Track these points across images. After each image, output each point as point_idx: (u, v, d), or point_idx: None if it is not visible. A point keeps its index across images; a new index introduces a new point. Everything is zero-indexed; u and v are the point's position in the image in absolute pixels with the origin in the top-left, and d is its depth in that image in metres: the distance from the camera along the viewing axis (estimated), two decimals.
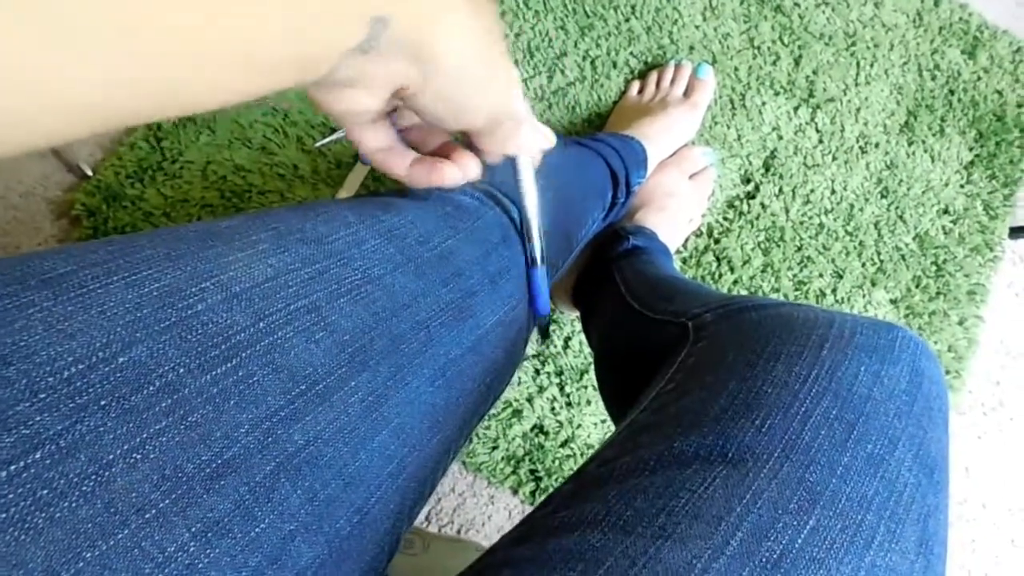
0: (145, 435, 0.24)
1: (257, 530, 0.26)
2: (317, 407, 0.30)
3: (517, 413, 0.90)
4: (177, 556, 0.24)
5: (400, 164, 0.39)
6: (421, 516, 0.88)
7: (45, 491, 0.21)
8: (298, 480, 0.28)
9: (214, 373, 0.27)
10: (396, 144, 0.39)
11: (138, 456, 0.24)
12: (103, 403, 0.24)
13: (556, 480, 0.89)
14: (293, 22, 0.23)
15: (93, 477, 0.22)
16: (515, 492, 0.90)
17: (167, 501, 0.24)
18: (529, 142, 0.42)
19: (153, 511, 0.23)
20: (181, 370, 0.26)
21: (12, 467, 0.21)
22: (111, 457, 0.23)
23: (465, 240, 0.44)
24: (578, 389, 0.91)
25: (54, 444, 0.22)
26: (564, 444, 0.90)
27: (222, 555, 0.25)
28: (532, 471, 0.89)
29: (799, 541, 0.30)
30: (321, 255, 0.35)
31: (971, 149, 0.99)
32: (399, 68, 0.30)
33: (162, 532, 0.23)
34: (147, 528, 0.23)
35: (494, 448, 0.89)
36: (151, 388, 0.25)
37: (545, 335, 0.48)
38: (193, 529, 0.24)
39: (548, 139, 0.44)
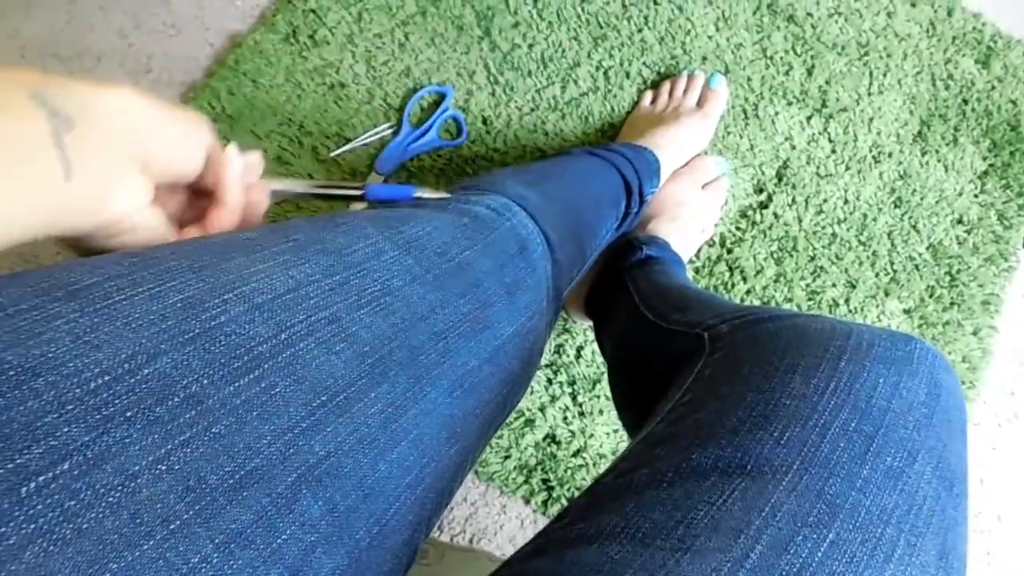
0: (170, 446, 0.24)
1: (279, 541, 0.26)
2: (337, 418, 0.30)
3: (529, 422, 0.90)
4: (201, 567, 0.24)
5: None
6: None
7: (72, 502, 0.22)
8: (319, 491, 0.28)
9: (237, 384, 0.27)
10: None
11: (163, 467, 0.24)
12: (129, 414, 0.24)
13: (568, 490, 0.89)
14: None
15: (119, 488, 0.23)
16: (527, 502, 0.90)
17: (191, 512, 0.24)
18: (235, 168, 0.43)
19: (177, 522, 0.24)
20: (205, 381, 0.26)
21: (40, 478, 0.21)
22: (137, 468, 0.23)
23: (482, 252, 0.44)
24: (591, 399, 0.91)
25: (81, 455, 0.22)
26: (576, 454, 0.90)
27: (244, 566, 0.25)
28: (544, 480, 0.89)
29: (819, 554, 0.30)
30: (341, 266, 0.35)
31: (985, 159, 0.99)
32: (109, 133, 0.32)
33: (186, 543, 0.24)
34: (172, 539, 0.23)
35: (506, 457, 0.89)
36: (175, 399, 0.25)
37: (428, 202, 0.50)
38: (216, 540, 0.24)
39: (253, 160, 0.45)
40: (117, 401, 0.24)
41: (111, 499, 0.22)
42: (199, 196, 0.42)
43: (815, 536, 0.30)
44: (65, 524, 0.21)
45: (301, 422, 0.29)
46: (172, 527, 0.23)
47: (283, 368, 0.29)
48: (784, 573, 0.29)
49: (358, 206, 0.88)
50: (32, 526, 0.21)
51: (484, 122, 0.96)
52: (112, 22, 0.98)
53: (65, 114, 0.29)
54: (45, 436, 0.22)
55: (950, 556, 0.32)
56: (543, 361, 0.91)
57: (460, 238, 0.44)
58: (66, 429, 0.22)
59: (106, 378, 0.24)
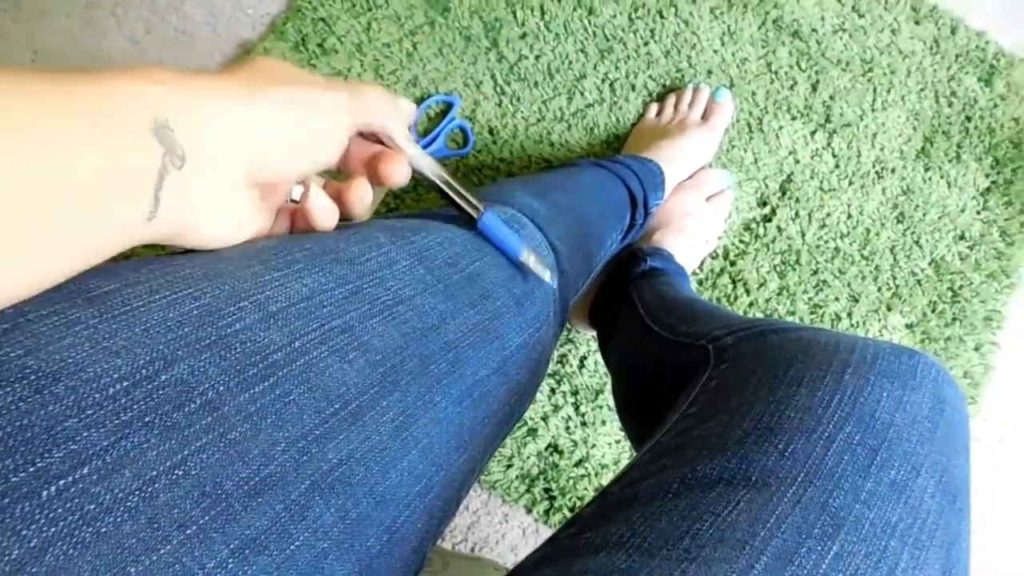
0: (187, 452, 0.25)
1: (292, 548, 0.27)
2: (350, 426, 0.31)
3: (532, 432, 0.90)
4: (216, 572, 0.24)
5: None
6: None
7: (92, 506, 0.22)
8: (331, 498, 0.29)
9: (252, 391, 0.28)
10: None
11: (180, 473, 0.24)
12: (147, 420, 0.24)
13: (570, 499, 0.89)
14: (70, 155, 0.23)
15: (137, 493, 0.23)
16: (529, 511, 0.90)
17: (207, 517, 0.24)
18: (403, 105, 0.43)
19: (194, 527, 0.24)
20: (221, 388, 0.27)
21: (61, 482, 0.22)
22: (155, 473, 0.24)
23: (492, 262, 0.45)
24: (593, 409, 0.91)
25: (100, 460, 0.23)
26: (578, 463, 0.90)
27: (259, 572, 0.25)
28: (546, 490, 0.90)
29: (823, 566, 0.30)
30: (354, 275, 0.36)
31: (988, 176, 1.00)
32: (223, 160, 0.31)
33: (202, 548, 0.24)
34: (188, 544, 0.24)
35: (509, 466, 0.89)
36: (192, 405, 0.26)
37: (528, 271, 0.46)
38: (232, 546, 0.25)
39: (405, 104, 0.43)
40: (135, 406, 0.24)
41: (129, 503, 0.23)
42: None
43: (820, 548, 0.30)
44: (85, 528, 0.22)
45: (315, 429, 0.29)
46: (188, 532, 0.24)
47: (297, 376, 0.29)
48: None
49: (378, 191, 0.88)
50: (53, 529, 0.21)
51: (490, 132, 0.97)
52: (124, 28, 0.99)
53: (181, 151, 0.28)
54: (65, 440, 0.22)
55: (954, 570, 0.33)
56: (546, 371, 0.91)
57: (470, 249, 0.44)
58: (86, 434, 0.23)
59: (125, 384, 0.24)
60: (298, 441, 0.28)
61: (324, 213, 0.39)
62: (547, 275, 0.46)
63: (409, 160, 0.42)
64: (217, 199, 0.32)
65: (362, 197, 0.40)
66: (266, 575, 0.25)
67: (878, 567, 0.30)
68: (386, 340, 0.34)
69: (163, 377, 0.25)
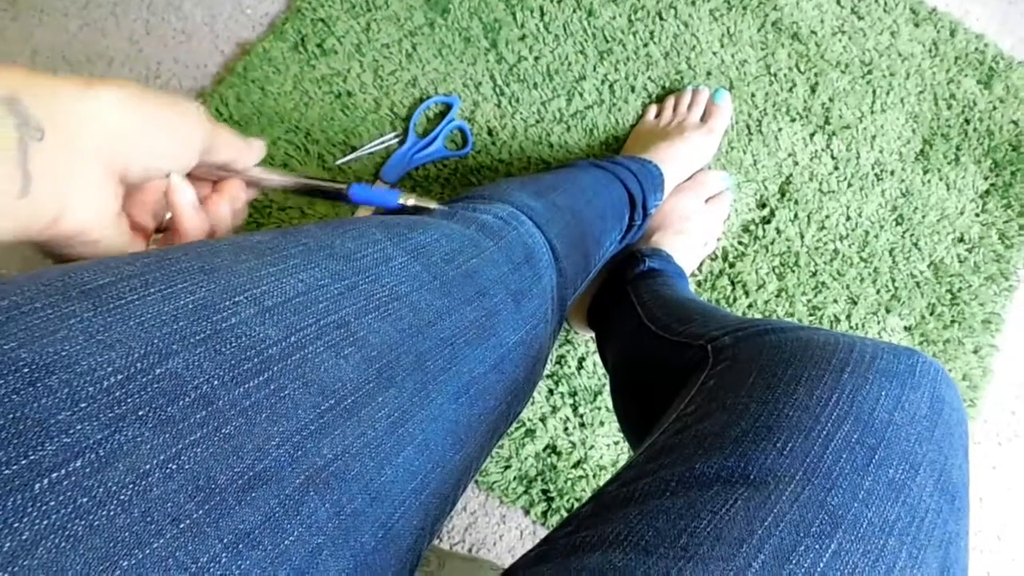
0: (181, 446, 0.24)
1: (286, 543, 0.27)
2: (345, 422, 0.30)
3: (530, 433, 0.90)
4: (209, 567, 0.24)
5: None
6: None
7: (85, 499, 0.22)
8: (326, 494, 0.29)
9: (247, 386, 0.27)
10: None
11: (174, 466, 0.24)
12: (141, 413, 0.24)
13: (568, 500, 0.89)
14: None
15: (131, 486, 0.23)
16: (527, 512, 0.90)
17: (201, 512, 0.24)
18: (256, 146, 0.45)
19: (187, 521, 0.24)
20: (215, 382, 0.27)
21: (53, 475, 0.22)
22: (148, 467, 0.23)
23: (489, 259, 0.45)
24: (591, 410, 0.91)
25: (94, 453, 0.23)
26: (577, 465, 0.90)
27: (252, 567, 0.25)
28: (544, 491, 0.89)
29: (821, 565, 0.30)
30: (350, 271, 0.36)
31: (986, 178, 1.00)
32: (81, 138, 0.32)
33: (195, 542, 0.24)
34: (181, 538, 0.23)
35: (507, 467, 0.89)
36: (187, 399, 0.25)
37: (416, 211, 0.49)
38: (225, 540, 0.25)
39: (260, 147, 0.46)
40: (129, 400, 0.24)
41: (122, 497, 0.23)
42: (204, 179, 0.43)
43: (817, 546, 0.30)
44: (77, 521, 0.21)
45: (309, 424, 0.29)
46: (182, 526, 0.24)
47: (292, 371, 0.29)
48: None
49: (362, 212, 0.89)
50: (45, 522, 0.21)
51: (490, 133, 0.97)
52: (124, 28, 0.99)
53: (36, 123, 0.29)
54: (58, 433, 0.22)
55: (952, 569, 0.33)
56: (544, 372, 0.91)
57: (467, 246, 0.44)
58: (79, 427, 0.23)
59: (119, 377, 0.24)
60: (293, 436, 0.28)
61: (191, 215, 0.40)
62: (433, 204, 0.48)
63: (259, 180, 0.46)
64: (86, 179, 0.33)
65: (223, 214, 0.43)
66: (260, 570, 0.25)
67: (876, 566, 0.30)
68: (382, 336, 0.34)
69: (158, 371, 0.25)
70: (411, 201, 0.48)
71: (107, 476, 0.22)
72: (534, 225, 0.51)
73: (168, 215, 0.41)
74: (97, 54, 0.97)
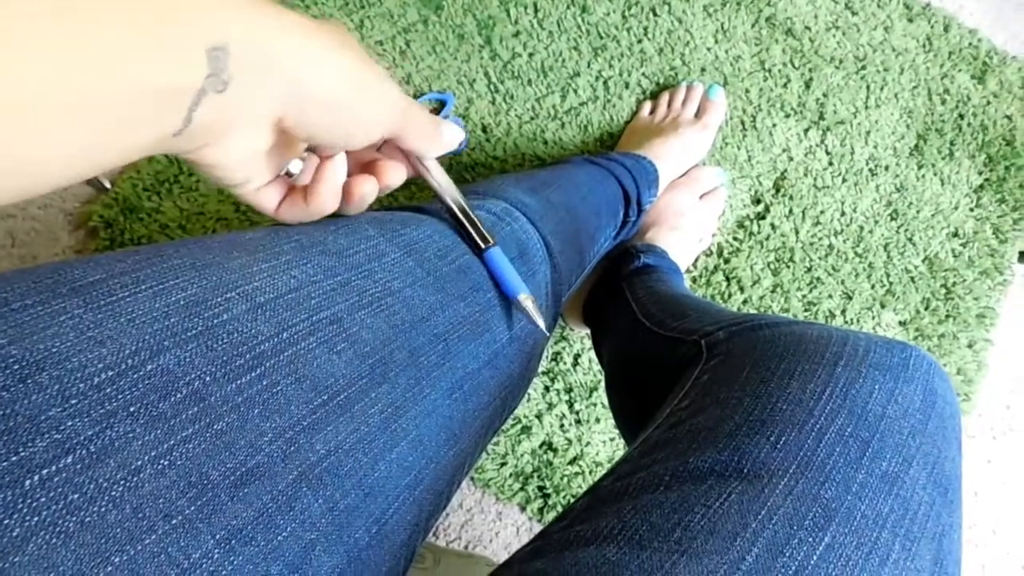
0: (172, 442, 0.24)
1: (279, 539, 0.27)
2: (338, 417, 0.30)
3: (526, 430, 0.90)
4: (202, 563, 0.24)
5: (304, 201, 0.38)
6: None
7: (76, 495, 0.22)
8: (319, 489, 0.29)
9: (239, 382, 0.27)
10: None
11: (165, 463, 0.24)
12: (132, 410, 0.24)
13: (564, 497, 0.89)
14: (123, 65, 0.23)
15: (122, 482, 0.23)
16: (523, 509, 0.90)
17: (193, 508, 0.24)
18: (446, 138, 0.41)
19: (179, 517, 0.24)
20: (207, 378, 0.27)
21: (44, 471, 0.22)
22: (139, 463, 0.23)
23: None
24: (587, 407, 0.91)
25: (85, 449, 0.23)
26: (573, 461, 0.90)
27: (245, 563, 0.25)
28: (540, 488, 0.89)
29: (814, 558, 0.30)
30: (343, 267, 0.35)
31: (980, 173, 1.00)
32: (264, 97, 0.30)
33: (188, 538, 0.24)
34: (173, 534, 0.23)
35: (503, 464, 0.89)
36: (178, 395, 0.25)
37: (522, 312, 0.45)
38: (217, 536, 0.25)
39: (456, 133, 0.42)
40: (120, 396, 0.24)
41: (114, 493, 0.22)
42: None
43: (811, 540, 0.30)
44: (68, 517, 0.21)
45: (302, 420, 0.29)
46: (174, 522, 0.24)
47: (285, 366, 0.29)
48: None
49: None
50: (36, 518, 0.21)
51: (484, 130, 0.97)
52: None
53: (228, 76, 0.27)
54: (49, 430, 0.22)
55: (945, 562, 0.33)
56: (540, 368, 0.91)
57: (460, 241, 0.44)
58: (70, 423, 0.23)
59: (110, 373, 0.24)
60: (285, 432, 0.28)
61: (328, 194, 0.37)
62: (541, 323, 0.44)
63: (424, 175, 0.42)
64: (243, 128, 0.31)
65: (367, 193, 0.39)
66: (252, 566, 0.25)
67: (869, 558, 0.30)
68: (375, 332, 0.34)
69: (149, 367, 0.25)
70: (528, 306, 0.44)
71: (98, 472, 0.22)
72: (528, 221, 0.51)
73: (299, 167, 0.38)
74: None
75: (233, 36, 0.27)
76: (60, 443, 0.22)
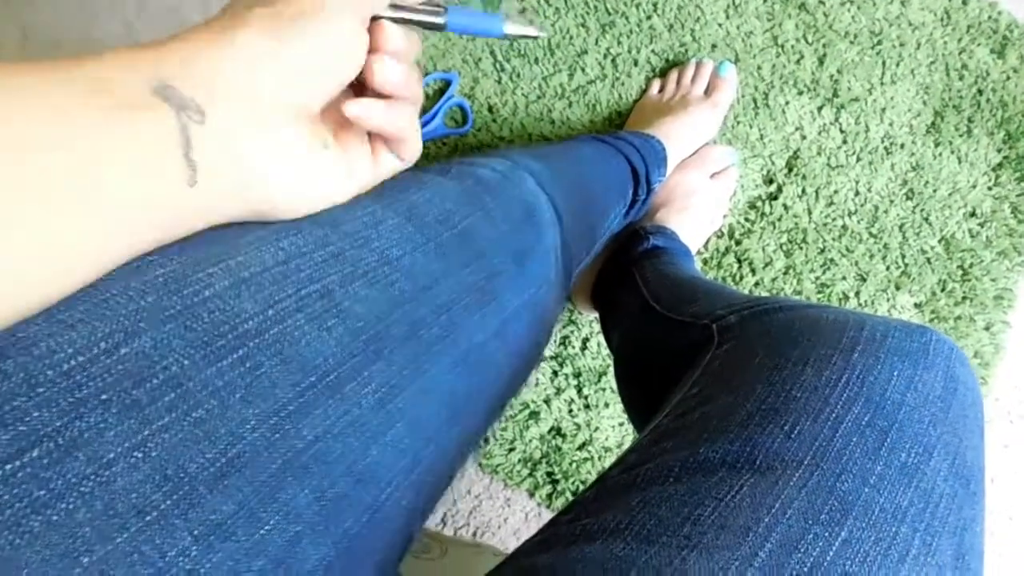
0: (147, 432, 0.23)
1: (262, 532, 0.25)
2: (327, 400, 0.29)
3: (534, 415, 0.88)
4: (178, 560, 0.23)
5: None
6: (436, 518, 0.87)
7: (42, 492, 0.20)
8: (305, 479, 0.27)
9: (220, 365, 0.26)
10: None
11: (140, 455, 0.23)
12: (104, 397, 0.23)
13: (573, 483, 0.88)
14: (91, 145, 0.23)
15: (92, 477, 0.21)
16: (532, 495, 0.89)
17: (169, 502, 0.23)
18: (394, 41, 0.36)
19: (154, 513, 0.22)
20: (186, 362, 0.25)
21: (8, 466, 0.20)
22: (112, 456, 0.22)
23: (487, 218, 0.42)
24: (596, 391, 0.89)
25: (52, 442, 0.21)
26: (582, 447, 0.89)
27: (225, 559, 0.24)
28: (549, 474, 0.88)
29: (830, 553, 0.28)
30: (336, 236, 0.33)
31: (999, 151, 0.97)
32: (264, 94, 0.29)
33: (163, 535, 0.22)
34: (147, 531, 0.22)
35: (511, 450, 0.88)
36: (155, 381, 0.24)
37: (518, 39, 0.41)
38: (195, 532, 0.23)
39: None
40: (91, 383, 0.23)
41: (83, 489, 0.21)
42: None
43: (827, 534, 0.29)
44: (33, 516, 0.20)
45: (288, 404, 0.27)
46: (148, 518, 0.22)
47: (270, 347, 0.28)
48: (794, 572, 0.28)
49: None
50: None
51: (490, 110, 0.95)
52: (117, 11, 0.97)
53: (194, 104, 0.26)
54: (14, 421, 0.21)
55: (967, 556, 0.31)
56: (548, 353, 0.90)
57: (463, 204, 0.42)
58: (36, 414, 0.21)
59: (80, 359, 0.23)
60: (270, 418, 0.26)
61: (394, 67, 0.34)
62: (533, 30, 0.41)
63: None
64: (263, 139, 0.29)
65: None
66: (233, 562, 0.24)
67: (888, 554, 0.29)
68: (369, 305, 0.32)
69: (123, 351, 0.24)
70: (515, 30, 0.40)
71: (66, 467, 0.21)
72: (536, 183, 0.49)
73: None
74: (91, 37, 0.96)
75: (167, 69, 0.26)
76: (26, 435, 0.21)
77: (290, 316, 0.29)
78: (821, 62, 0.98)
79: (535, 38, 0.42)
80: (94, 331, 0.24)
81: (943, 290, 0.94)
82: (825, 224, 0.94)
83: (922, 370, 0.36)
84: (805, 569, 0.28)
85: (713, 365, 0.43)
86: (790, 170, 0.95)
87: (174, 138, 0.25)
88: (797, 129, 0.96)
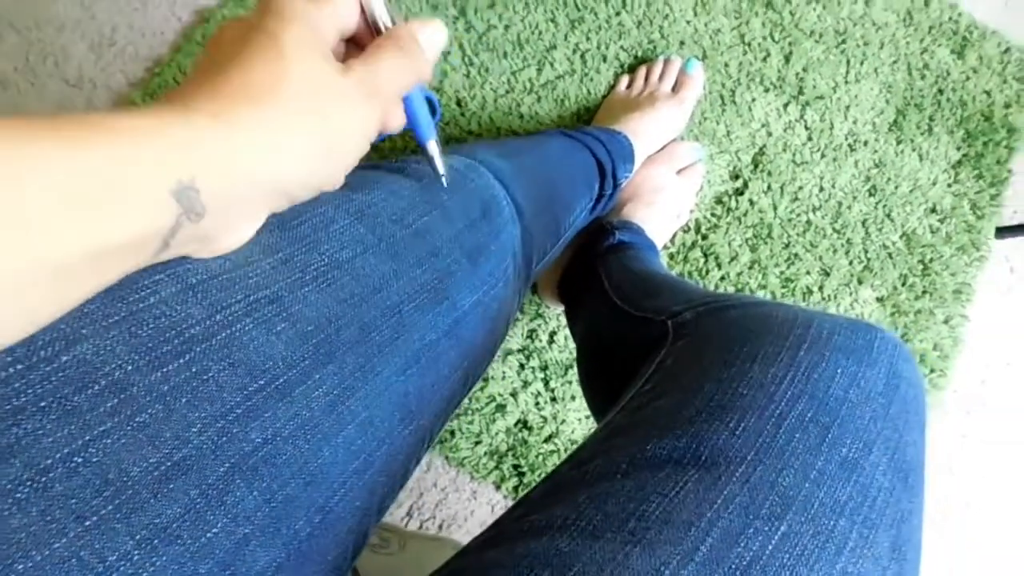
0: (88, 437, 0.23)
1: (208, 535, 0.25)
2: (277, 403, 0.29)
3: (501, 408, 0.89)
4: (119, 565, 0.23)
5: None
6: (402, 511, 0.87)
7: None
8: (254, 481, 0.27)
9: (166, 370, 0.26)
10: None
11: (79, 460, 0.23)
12: (43, 404, 0.23)
13: (539, 475, 0.89)
14: (82, 225, 0.20)
15: (28, 483, 0.21)
16: (498, 487, 0.89)
17: (110, 507, 0.23)
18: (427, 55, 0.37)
19: (94, 518, 0.22)
20: (129, 367, 0.25)
21: None
22: (49, 462, 0.22)
23: (442, 216, 0.42)
24: (563, 384, 0.90)
25: None
26: (548, 439, 0.89)
27: (169, 563, 0.24)
28: (515, 466, 0.89)
29: (769, 548, 0.29)
30: (285, 242, 0.34)
31: (959, 148, 0.99)
32: (248, 209, 0.28)
33: (103, 540, 0.22)
34: (87, 536, 0.22)
35: (477, 443, 0.88)
36: (96, 387, 0.24)
37: (428, 159, 0.40)
38: (138, 536, 0.23)
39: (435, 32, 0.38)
40: (30, 391, 0.23)
41: (19, 495, 0.21)
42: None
43: (767, 529, 0.30)
44: None
45: (236, 408, 0.27)
46: (87, 523, 0.22)
47: (217, 351, 0.28)
48: (734, 566, 0.28)
49: None
50: None
51: (458, 103, 0.95)
52: None
53: (200, 207, 0.24)
54: None
55: (904, 547, 0.32)
56: (515, 346, 0.90)
57: (418, 202, 0.42)
58: None
59: (19, 367, 0.23)
60: (216, 421, 0.27)
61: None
62: (442, 168, 0.40)
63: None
64: (241, 231, 0.30)
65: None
66: (178, 566, 0.24)
67: (825, 547, 0.30)
68: (319, 309, 0.33)
69: (64, 358, 0.24)
70: (435, 152, 0.39)
71: (2, 473, 0.21)
72: (495, 179, 0.49)
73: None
74: (47, 19, 0.94)
75: (196, 168, 0.23)
76: None
77: (238, 321, 0.29)
78: (787, 60, 0.99)
79: (438, 175, 0.41)
80: (34, 339, 0.24)
81: (904, 284, 0.95)
82: (790, 219, 0.95)
83: (865, 367, 0.37)
84: (744, 563, 0.28)
85: (667, 362, 0.43)
86: (756, 166, 0.96)
87: (164, 232, 0.23)
88: (763, 126, 0.97)
